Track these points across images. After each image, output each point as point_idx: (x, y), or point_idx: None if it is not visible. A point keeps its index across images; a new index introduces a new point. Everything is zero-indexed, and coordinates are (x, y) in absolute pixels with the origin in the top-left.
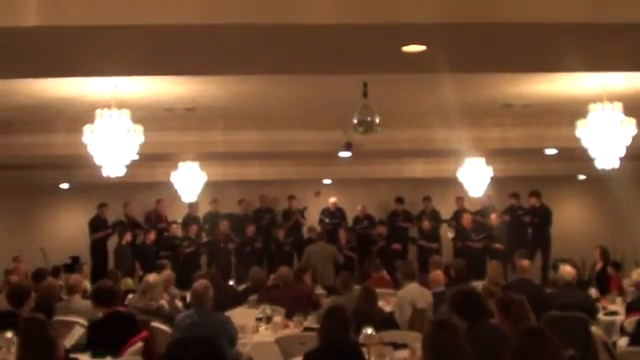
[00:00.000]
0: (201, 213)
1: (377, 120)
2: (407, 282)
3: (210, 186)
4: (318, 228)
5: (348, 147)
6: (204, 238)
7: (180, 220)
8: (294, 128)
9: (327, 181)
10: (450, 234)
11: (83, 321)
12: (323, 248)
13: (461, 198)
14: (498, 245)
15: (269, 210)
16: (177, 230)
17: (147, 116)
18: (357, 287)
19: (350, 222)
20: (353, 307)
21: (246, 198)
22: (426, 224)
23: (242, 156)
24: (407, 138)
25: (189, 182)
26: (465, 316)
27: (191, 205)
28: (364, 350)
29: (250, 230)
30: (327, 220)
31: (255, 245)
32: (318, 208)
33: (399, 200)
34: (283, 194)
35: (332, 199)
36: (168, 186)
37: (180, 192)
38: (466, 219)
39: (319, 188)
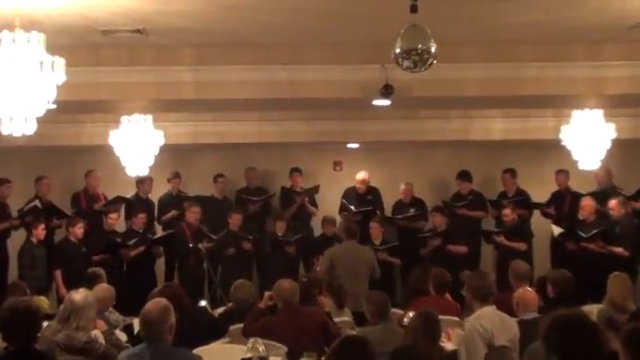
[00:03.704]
0: (156, 195)
1: (432, 49)
2: (479, 305)
3: (170, 153)
4: (338, 219)
5: (387, 92)
6: (160, 233)
7: (123, 205)
8: (303, 62)
9: (353, 145)
10: (556, 229)
11: None
12: (355, 252)
13: (564, 172)
14: (619, 249)
15: (261, 191)
16: (118, 220)
17: (73, 43)
18: (397, 312)
19: (389, 210)
20: (393, 344)
21: (226, 173)
22: (508, 213)
23: (221, 106)
24: (477, 78)
25: (137, 146)
26: (569, 358)
27: (141, 182)
28: None
29: (233, 221)
30: (352, 207)
31: (241, 245)
32: (338, 188)
33: (464, 176)
34: (283, 166)
35: (361, 174)
36: (105, 153)
37: (123, 162)
38: (587, 206)
39: (340, 156)
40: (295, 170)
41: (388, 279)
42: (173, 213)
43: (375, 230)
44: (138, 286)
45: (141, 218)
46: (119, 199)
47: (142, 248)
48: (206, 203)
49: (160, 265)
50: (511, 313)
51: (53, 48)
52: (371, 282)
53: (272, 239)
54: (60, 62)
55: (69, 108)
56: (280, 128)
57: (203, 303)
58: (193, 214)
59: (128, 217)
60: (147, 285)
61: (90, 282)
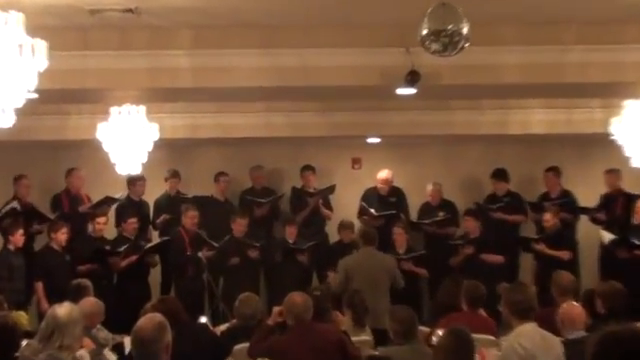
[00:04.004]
0: (151, 196)
1: (464, 30)
2: (518, 321)
3: (166, 149)
4: (357, 224)
5: (412, 79)
6: (155, 240)
7: (113, 207)
8: (317, 45)
9: (374, 140)
10: (606, 236)
11: None
12: (373, 260)
13: (615, 172)
14: None
15: (269, 192)
16: (106, 225)
17: (57, 24)
18: (425, 330)
19: (414, 214)
20: None
21: (229, 171)
22: (549, 217)
23: (223, 95)
24: (515, 63)
25: (129, 141)
26: None
27: (133, 182)
28: None
29: (237, 227)
30: (373, 210)
31: (246, 253)
32: (357, 188)
33: (500, 174)
34: (294, 163)
35: (383, 173)
36: (92, 148)
37: (113, 159)
38: None
39: (359, 153)
40: (307, 168)
41: (414, 293)
42: (165, 217)
43: (399, 237)
44: (130, 300)
45: (132, 223)
46: (108, 200)
47: (134, 257)
48: (206, 205)
49: (155, 276)
50: (554, 331)
51: (34, 30)
52: (395, 296)
53: (282, 247)
54: (42, 45)
55: (52, 98)
56: (290, 120)
57: (203, 319)
58: (190, 218)
59: (118, 222)
60: (140, 299)
61: (75, 295)
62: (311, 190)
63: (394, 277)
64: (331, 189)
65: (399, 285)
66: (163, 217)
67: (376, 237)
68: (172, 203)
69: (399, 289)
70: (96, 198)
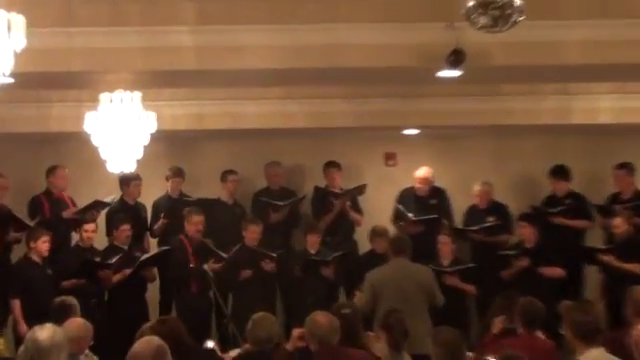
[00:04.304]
0: (148, 199)
1: (517, 1)
2: (583, 346)
3: (167, 142)
4: (392, 231)
5: (456, 59)
6: (152, 250)
7: (103, 212)
8: (343, 19)
9: (411, 131)
10: None
11: None
12: (405, 272)
13: None
14: None
15: (287, 193)
16: (95, 233)
17: None
18: (473, 356)
19: (459, 219)
20: None
21: (239, 168)
22: (620, 223)
23: (232, 79)
24: (579, 40)
25: (122, 134)
26: None
27: (126, 182)
28: None
29: (250, 234)
30: (411, 215)
31: (260, 265)
32: (391, 188)
33: (561, 172)
34: (317, 159)
35: (422, 170)
36: (78, 142)
37: (103, 155)
38: None
39: (394, 146)
40: (332, 165)
41: (460, 312)
42: (164, 222)
43: (445, 246)
44: (123, 321)
45: (125, 230)
46: (97, 205)
47: (128, 270)
48: (212, 209)
49: (153, 293)
50: (627, 358)
51: (10, 3)
52: (438, 316)
53: (302, 258)
54: (19, 21)
55: (31, 82)
56: (312, 109)
57: (210, 344)
58: (194, 225)
59: (109, 229)
60: (135, 319)
61: (59, 315)
62: (337, 190)
63: (431, 293)
64: (361, 189)
65: (438, 302)
66: (162, 222)
67: (408, 246)
68: (173, 206)
69: (438, 307)
70: (83, 202)
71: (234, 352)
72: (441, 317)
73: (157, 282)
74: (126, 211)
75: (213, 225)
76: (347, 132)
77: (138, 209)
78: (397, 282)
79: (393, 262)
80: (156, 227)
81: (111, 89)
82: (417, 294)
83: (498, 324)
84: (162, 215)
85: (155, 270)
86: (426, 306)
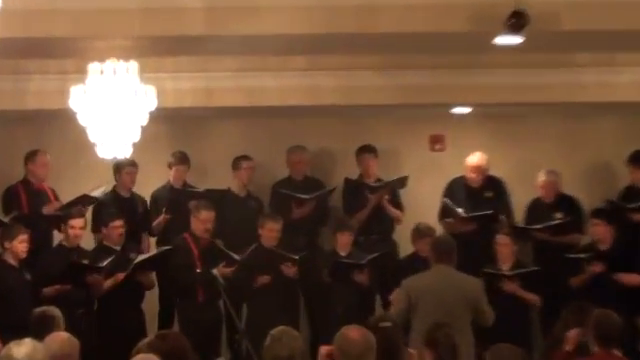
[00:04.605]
0: (146, 190)
1: None
2: None
3: (169, 123)
4: (439, 230)
5: (516, 23)
6: (150, 250)
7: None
8: None
9: (462, 110)
10: None
11: None
12: (448, 282)
13: None
14: None
15: (313, 184)
16: (83, 231)
17: None
18: None
19: (520, 215)
20: None
21: (255, 154)
22: None
23: (248, 46)
24: None
25: (115, 112)
26: None
27: (120, 170)
28: None
29: (268, 233)
30: (461, 210)
31: (279, 270)
32: (438, 179)
33: (637, 159)
34: (348, 143)
35: (475, 157)
36: (62, 122)
37: (92, 137)
38: None
39: (442, 128)
40: (367, 150)
41: (522, 326)
42: (164, 217)
43: (504, 248)
44: (116, 335)
45: (118, 227)
46: (85, 200)
47: (122, 275)
48: (222, 203)
49: (151, 302)
50: None
51: None
52: (495, 330)
53: (331, 261)
54: None
55: (7, 51)
56: (342, 82)
57: None
58: (203, 222)
59: (97, 226)
60: (130, 333)
61: (39, 329)
62: (372, 182)
63: (478, 308)
64: (401, 181)
65: (485, 321)
66: (163, 218)
67: (453, 250)
68: (176, 199)
69: (487, 326)
70: (67, 194)
71: None
72: (499, 332)
73: (156, 289)
74: (119, 204)
75: (223, 222)
76: (385, 111)
77: (133, 202)
78: (437, 293)
79: (435, 269)
80: (156, 223)
81: (102, 58)
82: (460, 309)
83: (572, 339)
84: (163, 210)
85: (153, 275)
86: (469, 323)
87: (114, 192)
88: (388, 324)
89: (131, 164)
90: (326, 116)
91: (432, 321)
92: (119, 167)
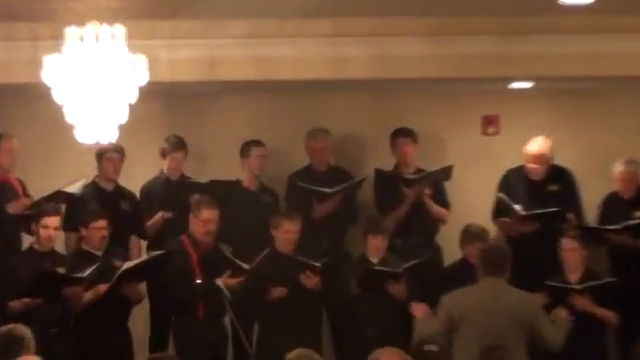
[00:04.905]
0: (135, 182)
1: None
2: None
3: (163, 100)
4: (493, 231)
5: None
6: (141, 255)
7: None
8: None
9: (521, 85)
10: None
11: None
12: (498, 300)
13: None
14: None
15: (338, 175)
16: (58, 232)
17: None
18: None
19: (592, 214)
20: None
21: (268, 140)
22: None
23: (260, 7)
24: None
25: (97, 87)
26: None
27: (103, 157)
28: None
29: (283, 235)
30: (519, 207)
31: (297, 280)
32: (491, 169)
33: None
34: (381, 126)
35: (536, 143)
36: (33, 98)
37: (69, 117)
38: None
39: (496, 107)
40: (404, 134)
41: (595, 350)
42: (162, 216)
43: (571, 254)
44: (97, 358)
45: (100, 229)
46: (60, 196)
47: (104, 286)
48: (229, 198)
49: (140, 319)
50: None
51: None
52: (564, 356)
53: (361, 269)
54: None
55: None
56: (373, 51)
57: None
58: (205, 222)
59: (72, 225)
60: (115, 358)
61: (4, 351)
62: (411, 173)
63: (535, 331)
64: (446, 172)
65: (550, 345)
66: (160, 216)
67: (506, 260)
68: (173, 193)
69: (552, 351)
70: (38, 188)
71: None
72: (568, 358)
73: (146, 304)
74: (100, 199)
75: (230, 221)
76: (427, 86)
77: (118, 197)
78: (485, 313)
79: (482, 284)
80: (151, 224)
81: (81, 21)
82: (513, 332)
83: None
84: (159, 207)
85: (143, 286)
86: (524, 347)
87: (95, 185)
88: (434, 348)
89: (115, 150)
90: (355, 92)
91: (477, 347)
92: (103, 154)
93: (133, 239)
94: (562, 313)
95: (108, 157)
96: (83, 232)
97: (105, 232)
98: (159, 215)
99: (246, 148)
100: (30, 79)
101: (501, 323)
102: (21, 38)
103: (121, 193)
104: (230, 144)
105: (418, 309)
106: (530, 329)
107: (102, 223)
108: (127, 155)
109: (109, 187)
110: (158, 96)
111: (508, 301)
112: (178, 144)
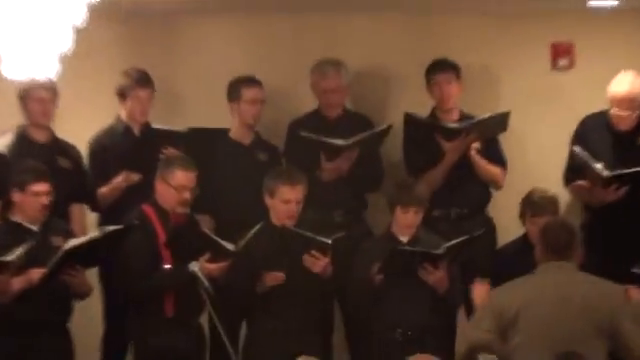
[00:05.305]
0: (82, 133)
1: None
2: None
3: (121, 23)
4: (565, 198)
5: None
6: (87, 231)
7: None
8: None
9: (603, 2)
10: None
11: None
12: (566, 291)
13: None
14: None
15: (355, 122)
16: None
17: None
18: None
19: None
20: None
21: (264, 75)
22: None
23: None
24: None
25: (30, 6)
26: None
27: (30, 95)
28: None
29: (282, 206)
30: (600, 166)
31: (301, 263)
32: (563, 115)
33: None
34: (412, 56)
35: (623, 81)
36: None
37: None
38: None
39: (568, 32)
40: (443, 68)
41: None
42: (125, 177)
43: None
44: None
45: (40, 194)
46: None
47: (38, 272)
48: (211, 153)
49: (88, 318)
50: None
51: None
52: None
53: (387, 249)
54: None
55: None
56: None
57: None
58: (178, 189)
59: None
60: None
61: None
62: (453, 120)
63: (619, 332)
64: (501, 120)
65: (633, 352)
66: (124, 178)
67: (574, 239)
68: (136, 146)
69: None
70: None
71: None
72: None
73: (96, 298)
74: (36, 155)
75: (211, 185)
76: (475, 4)
77: (54, 151)
78: (549, 308)
79: (544, 271)
80: (108, 189)
81: None
82: (586, 332)
83: None
84: (118, 166)
85: (92, 274)
86: (604, 353)
87: (23, 136)
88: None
89: (43, 86)
90: (379, 10)
91: (539, 355)
92: (24, 92)
93: (75, 209)
94: None
95: (36, 97)
96: (16, 197)
97: (46, 199)
98: (120, 177)
99: (236, 88)
100: None
101: (572, 323)
102: None
103: (58, 146)
104: (214, 82)
105: (480, 290)
106: (612, 329)
107: (44, 186)
108: (73, 96)
109: (41, 138)
110: (114, 18)
111: (579, 293)
112: (142, 80)
